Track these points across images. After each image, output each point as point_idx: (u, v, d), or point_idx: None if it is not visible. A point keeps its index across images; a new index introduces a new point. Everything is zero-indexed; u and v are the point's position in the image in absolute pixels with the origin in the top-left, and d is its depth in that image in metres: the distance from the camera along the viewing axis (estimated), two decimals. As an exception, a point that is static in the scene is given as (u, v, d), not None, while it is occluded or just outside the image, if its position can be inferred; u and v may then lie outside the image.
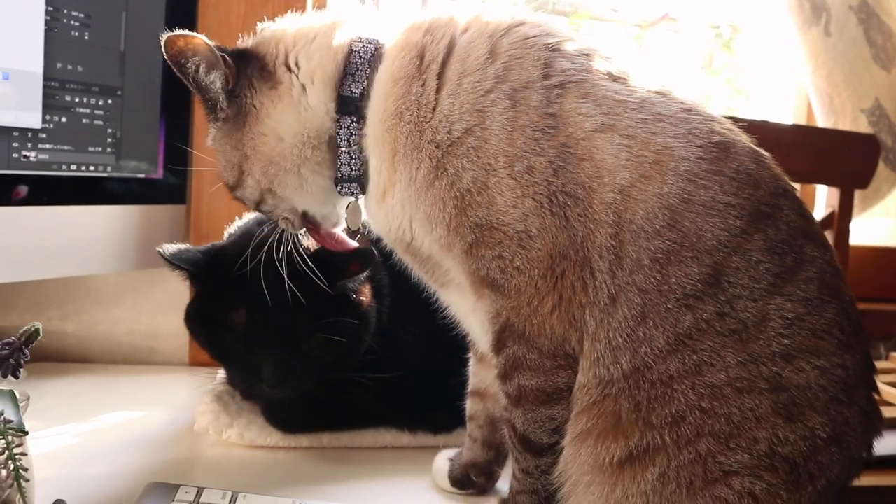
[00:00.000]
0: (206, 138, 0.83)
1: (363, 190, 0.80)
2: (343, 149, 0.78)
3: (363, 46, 0.78)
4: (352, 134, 0.77)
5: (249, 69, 0.78)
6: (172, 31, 0.76)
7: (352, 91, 0.77)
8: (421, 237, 0.76)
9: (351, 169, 0.78)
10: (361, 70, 0.77)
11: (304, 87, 0.78)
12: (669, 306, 0.65)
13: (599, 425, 0.67)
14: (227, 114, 0.79)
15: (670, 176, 0.67)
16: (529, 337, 0.71)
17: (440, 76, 0.73)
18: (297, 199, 0.81)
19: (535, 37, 0.74)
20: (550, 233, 0.69)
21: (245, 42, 0.82)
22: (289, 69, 0.78)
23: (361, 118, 0.77)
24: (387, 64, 0.76)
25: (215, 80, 0.78)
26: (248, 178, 0.80)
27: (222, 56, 0.77)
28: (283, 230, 0.83)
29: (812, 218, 0.71)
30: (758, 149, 0.71)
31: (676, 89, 0.74)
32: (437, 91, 0.73)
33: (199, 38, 0.76)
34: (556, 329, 0.70)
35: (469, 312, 0.78)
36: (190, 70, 0.77)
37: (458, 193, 0.71)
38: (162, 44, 0.76)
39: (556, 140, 0.69)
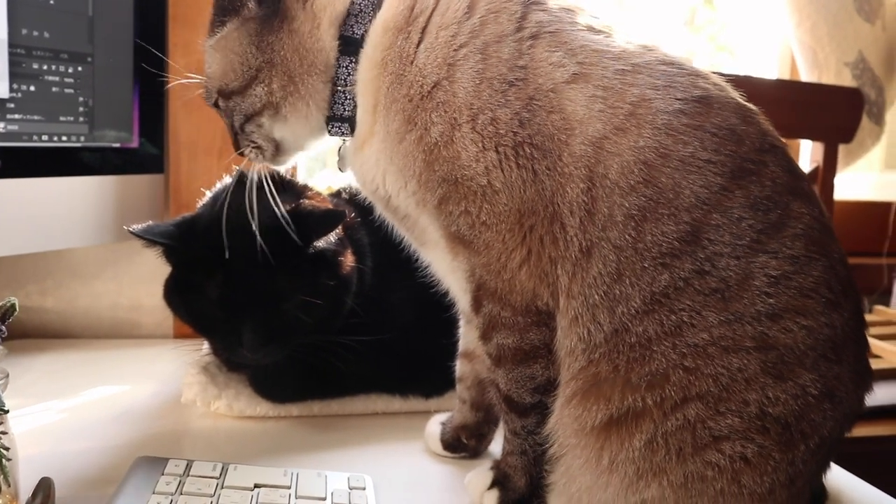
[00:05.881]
0: (207, 40, 0.79)
1: (353, 132, 0.79)
2: (340, 88, 0.77)
3: None
4: (349, 74, 0.76)
5: None
6: None
7: (354, 32, 0.76)
8: (394, 192, 0.75)
9: (344, 109, 0.78)
10: (365, 12, 0.76)
11: (317, 19, 0.76)
12: (645, 265, 0.64)
13: (582, 388, 0.66)
14: (254, 14, 0.75)
15: (647, 129, 0.65)
16: (501, 294, 0.71)
17: (423, 30, 0.73)
18: (291, 125, 0.79)
19: None
20: (516, 186, 0.68)
21: None
22: None
23: (358, 61, 0.76)
24: (383, 11, 0.76)
25: None
26: (260, 86, 0.76)
27: None
28: (255, 197, 0.81)
29: (802, 175, 0.68)
30: (746, 104, 0.69)
31: (663, 44, 0.71)
32: (418, 45, 0.72)
33: None
34: (526, 284, 0.69)
35: (448, 272, 0.77)
36: None
37: (426, 147, 0.71)
38: None
39: (523, 92, 0.68)
